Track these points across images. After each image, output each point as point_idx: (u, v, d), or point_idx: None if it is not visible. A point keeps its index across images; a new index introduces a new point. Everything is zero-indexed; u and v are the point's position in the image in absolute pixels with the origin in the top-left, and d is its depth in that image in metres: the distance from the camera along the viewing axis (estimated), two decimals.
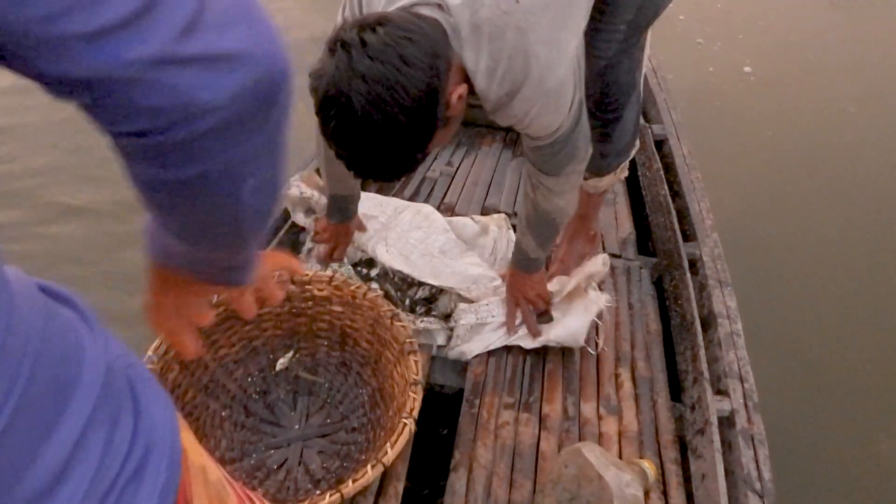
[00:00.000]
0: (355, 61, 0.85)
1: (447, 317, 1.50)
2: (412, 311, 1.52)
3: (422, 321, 1.45)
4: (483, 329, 1.46)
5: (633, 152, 1.52)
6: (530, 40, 0.95)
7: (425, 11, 0.93)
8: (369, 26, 0.87)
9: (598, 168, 1.50)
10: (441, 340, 1.47)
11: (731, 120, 3.21)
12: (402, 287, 1.57)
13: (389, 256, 1.56)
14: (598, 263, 1.47)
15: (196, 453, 0.46)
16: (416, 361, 1.14)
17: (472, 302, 1.49)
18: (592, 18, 1.29)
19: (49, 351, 0.35)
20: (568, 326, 1.42)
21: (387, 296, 1.49)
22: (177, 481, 0.42)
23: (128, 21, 0.29)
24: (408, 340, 1.19)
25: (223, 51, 0.32)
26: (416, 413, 1.06)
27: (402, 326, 1.22)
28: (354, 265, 1.61)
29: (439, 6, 0.94)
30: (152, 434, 0.41)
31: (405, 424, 1.03)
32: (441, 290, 1.54)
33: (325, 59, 0.89)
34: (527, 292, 1.43)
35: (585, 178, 1.56)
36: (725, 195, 2.41)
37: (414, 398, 1.08)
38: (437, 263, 1.56)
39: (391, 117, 0.87)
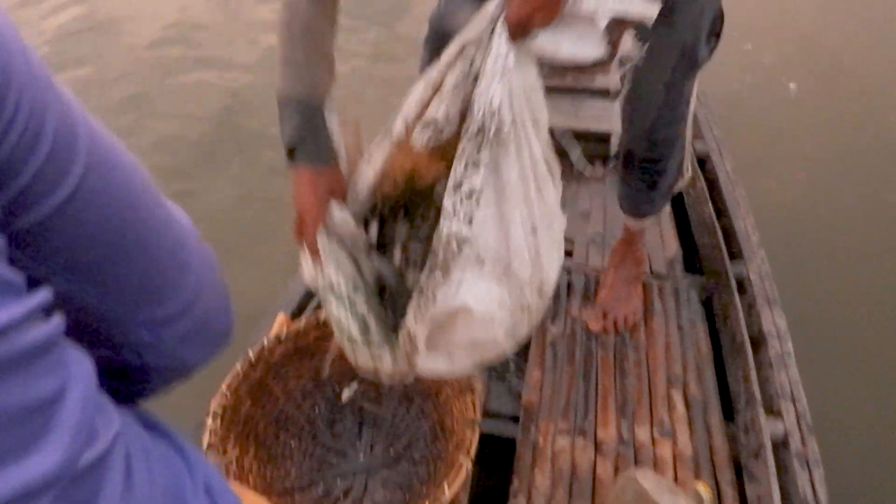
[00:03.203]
0: None
1: None
2: None
3: None
4: None
5: (678, 190, 1.54)
6: None
7: None
8: None
9: (644, 212, 1.54)
10: None
11: (764, 135, 3.07)
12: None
13: None
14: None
15: None
16: (473, 401, 1.19)
17: None
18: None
19: None
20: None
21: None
22: None
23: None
24: (465, 377, 1.24)
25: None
26: (473, 452, 1.11)
27: None
28: None
29: None
30: None
31: (462, 464, 1.09)
32: None
33: None
34: None
35: (633, 219, 1.59)
36: (764, 209, 2.35)
37: (471, 438, 1.13)
38: None
39: None
